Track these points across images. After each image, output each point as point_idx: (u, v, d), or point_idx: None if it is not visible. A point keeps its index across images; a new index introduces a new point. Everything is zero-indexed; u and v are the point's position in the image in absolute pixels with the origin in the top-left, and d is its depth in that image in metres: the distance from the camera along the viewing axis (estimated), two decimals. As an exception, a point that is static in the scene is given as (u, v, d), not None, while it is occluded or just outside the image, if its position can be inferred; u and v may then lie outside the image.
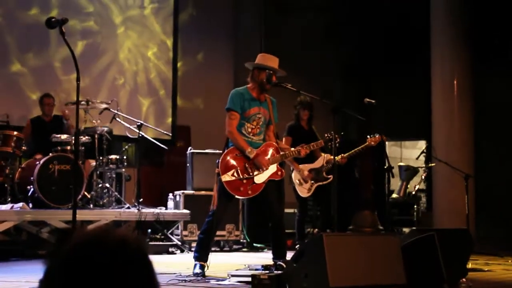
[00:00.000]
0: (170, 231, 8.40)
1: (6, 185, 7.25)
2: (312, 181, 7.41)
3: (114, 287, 1.35)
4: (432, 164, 9.70)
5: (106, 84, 9.80)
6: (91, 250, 1.36)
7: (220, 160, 5.58)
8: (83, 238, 1.39)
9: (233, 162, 5.55)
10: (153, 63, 10.46)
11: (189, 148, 9.05)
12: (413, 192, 10.87)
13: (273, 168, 5.65)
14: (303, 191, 7.42)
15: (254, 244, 8.79)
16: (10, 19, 8.74)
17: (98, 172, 8.06)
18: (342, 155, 7.13)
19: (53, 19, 4.67)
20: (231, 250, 8.55)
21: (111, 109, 8.21)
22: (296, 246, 7.35)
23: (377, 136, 7.20)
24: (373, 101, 7.06)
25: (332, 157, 7.31)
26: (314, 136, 7.27)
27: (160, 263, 6.58)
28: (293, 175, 7.45)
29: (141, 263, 1.41)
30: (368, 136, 7.25)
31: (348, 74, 12.12)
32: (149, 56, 10.41)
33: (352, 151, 7.36)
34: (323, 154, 7.37)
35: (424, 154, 9.89)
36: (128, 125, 8.43)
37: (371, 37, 12.14)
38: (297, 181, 7.43)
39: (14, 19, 8.78)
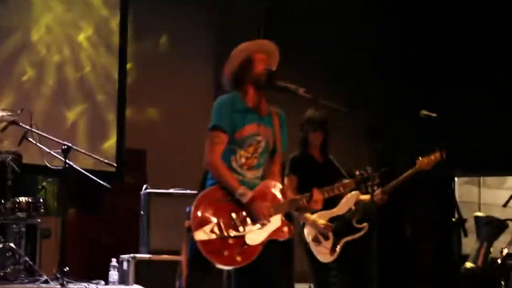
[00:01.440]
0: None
1: None
2: (336, 236, 7.31)
3: None
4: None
5: (12, 84, 9.84)
6: None
7: (192, 208, 5.42)
8: None
9: (213, 210, 5.43)
10: (87, 51, 10.51)
11: (144, 186, 9.07)
12: (499, 260, 10.85)
13: (276, 221, 5.56)
14: (324, 254, 7.29)
15: None
16: None
17: (-1, 226, 8.03)
18: (381, 188, 7.08)
19: None
20: None
21: (20, 124, 8.22)
22: None
23: (431, 156, 7.23)
24: (434, 114, 7.12)
25: (363, 196, 7.37)
26: (335, 171, 7.23)
27: None
28: (305, 231, 7.38)
29: None
30: (420, 157, 7.26)
31: (397, 71, 12.19)
32: (80, 41, 10.47)
33: (395, 180, 7.36)
34: (348, 193, 7.30)
35: (516, 198, 9.89)
36: (47, 149, 8.43)
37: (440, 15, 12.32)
38: (313, 240, 7.33)
39: None
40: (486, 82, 11.69)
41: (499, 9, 11.68)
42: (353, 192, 7.25)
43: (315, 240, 7.31)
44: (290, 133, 5.99)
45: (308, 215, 7.24)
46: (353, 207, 7.30)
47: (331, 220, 7.33)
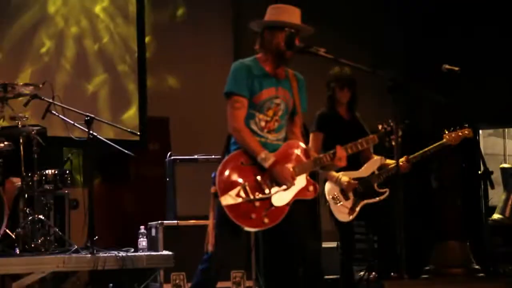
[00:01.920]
0: (144, 285, 8.46)
1: None
2: (356, 197, 7.32)
3: None
4: None
5: (31, 57, 9.78)
6: None
7: (217, 173, 5.50)
8: None
9: (238, 174, 5.49)
10: (105, 22, 10.48)
11: (169, 153, 9.09)
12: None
13: (301, 181, 5.60)
14: (343, 213, 7.30)
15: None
16: None
17: (26, 197, 8.06)
18: (406, 157, 7.10)
19: None
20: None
21: (43, 97, 8.21)
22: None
23: (459, 132, 7.22)
24: (457, 68, 7.10)
25: (387, 160, 7.37)
26: (360, 129, 7.21)
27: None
28: (326, 188, 7.39)
29: None
30: (446, 131, 7.26)
31: (417, 27, 12.15)
32: (97, 13, 10.43)
33: (421, 151, 7.37)
34: (374, 156, 7.34)
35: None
36: (71, 121, 8.45)
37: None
38: (333, 198, 7.34)
39: None
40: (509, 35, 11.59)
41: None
42: (377, 156, 7.28)
43: (335, 198, 7.31)
44: (314, 94, 6.01)
45: (332, 172, 7.21)
46: (376, 171, 7.29)
47: (354, 180, 7.30)
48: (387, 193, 7.19)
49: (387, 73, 5.50)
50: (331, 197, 7.32)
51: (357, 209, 7.26)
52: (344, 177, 7.24)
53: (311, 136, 7.18)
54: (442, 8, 12.16)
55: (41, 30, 9.91)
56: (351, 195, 7.28)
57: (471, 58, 10.64)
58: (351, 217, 7.27)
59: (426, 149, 7.34)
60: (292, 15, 5.69)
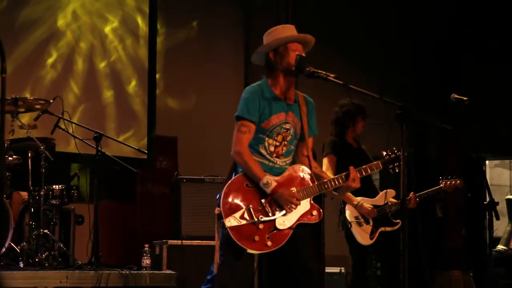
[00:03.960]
0: (145, 304, 8.44)
1: None
2: (375, 223, 7.36)
3: None
4: None
5: (40, 73, 9.79)
6: None
7: (222, 195, 5.48)
8: None
9: (242, 197, 5.48)
10: (115, 41, 10.52)
11: (176, 173, 9.10)
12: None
13: (305, 205, 5.60)
14: (364, 236, 7.35)
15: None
16: None
17: (32, 211, 8.05)
18: (413, 194, 7.15)
19: None
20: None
21: (53, 113, 8.26)
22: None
23: (452, 182, 7.39)
24: (465, 98, 7.12)
25: (395, 197, 7.41)
26: (367, 157, 7.26)
27: None
28: (347, 212, 7.40)
29: None
30: (441, 178, 7.38)
31: (429, 56, 12.18)
32: (106, 33, 10.46)
33: (425, 192, 7.50)
34: (388, 190, 7.38)
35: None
36: (78, 137, 8.48)
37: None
38: (354, 222, 7.36)
39: None
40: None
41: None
42: (388, 190, 7.32)
43: (359, 221, 7.34)
44: (320, 117, 6.01)
45: (352, 197, 7.28)
46: (390, 201, 7.33)
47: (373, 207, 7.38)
48: (399, 224, 7.20)
49: (396, 101, 5.50)
50: (354, 219, 7.35)
51: (376, 234, 7.33)
52: (366, 203, 7.29)
53: (325, 159, 7.25)
54: (455, 36, 12.23)
55: (50, 47, 9.90)
56: (371, 220, 7.31)
57: (481, 87, 10.68)
58: (371, 242, 7.32)
59: (429, 190, 7.52)
60: (290, 30, 5.74)
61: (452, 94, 7.07)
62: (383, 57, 11.52)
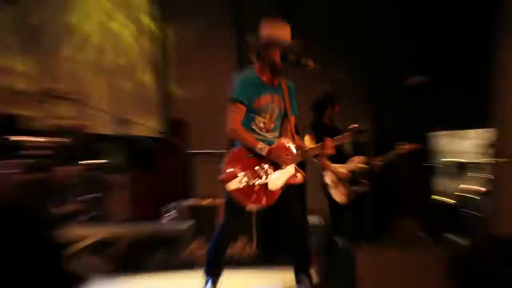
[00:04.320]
0: (171, 248, 8.50)
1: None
2: (347, 185, 7.41)
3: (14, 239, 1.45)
4: (495, 160, 9.77)
5: (66, 66, 9.55)
6: None
7: (224, 164, 5.53)
8: None
9: (241, 165, 5.52)
10: (130, 37, 10.34)
11: (188, 147, 9.14)
12: (466, 193, 10.90)
13: (290, 170, 5.66)
14: (340, 196, 7.43)
15: (269, 258, 8.86)
16: None
17: (77, 182, 8.14)
18: (375, 159, 7.22)
19: None
20: (244, 265, 8.56)
21: (83, 102, 8.27)
22: (320, 260, 7.34)
23: (408, 145, 7.46)
24: (422, 79, 7.14)
25: (363, 160, 7.46)
26: (338, 132, 7.29)
27: (165, 284, 6.82)
28: (325, 177, 7.47)
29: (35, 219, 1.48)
30: (398, 143, 7.47)
31: (389, 45, 12.20)
32: (118, 32, 10.24)
33: (385, 156, 7.52)
34: (356, 157, 7.45)
35: (485, 146, 9.94)
36: (107, 121, 8.55)
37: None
38: (332, 183, 7.43)
39: None
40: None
41: None
42: (355, 157, 7.36)
43: (333, 183, 7.37)
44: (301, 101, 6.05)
45: (329, 163, 7.31)
46: (357, 168, 7.40)
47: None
48: (367, 183, 7.25)
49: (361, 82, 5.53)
50: (331, 183, 7.37)
51: (351, 195, 7.36)
52: (341, 168, 7.33)
53: (307, 137, 7.19)
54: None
55: (72, 43, 9.50)
56: (345, 182, 7.35)
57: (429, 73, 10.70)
58: (345, 200, 7.38)
59: (389, 154, 7.53)
60: (285, 31, 5.58)
61: (412, 77, 7.11)
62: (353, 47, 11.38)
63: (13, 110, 8.07)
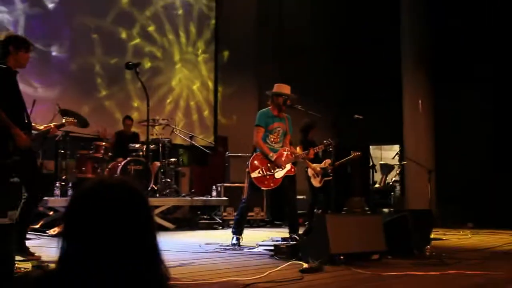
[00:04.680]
0: (214, 213, 8.41)
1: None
2: (321, 176, 7.25)
3: (115, 217, 1.27)
4: (404, 162, 9.70)
5: (167, 106, 9.69)
6: (97, 187, 1.31)
7: (249, 162, 5.50)
8: (92, 180, 1.35)
9: (259, 163, 5.46)
10: (198, 92, 10.32)
11: (227, 152, 9.10)
12: (391, 183, 10.84)
13: (288, 166, 5.56)
14: (316, 182, 7.23)
15: (274, 222, 8.80)
16: (100, 64, 8.75)
17: (162, 171, 8.03)
18: (336, 162, 7.07)
19: (130, 63, 4.72)
20: (258, 226, 8.53)
21: (170, 125, 8.23)
22: (306, 224, 7.27)
23: (357, 153, 7.35)
24: (361, 116, 7.08)
25: (330, 162, 7.37)
26: (316, 145, 7.25)
27: (207, 236, 6.63)
28: (308, 171, 7.30)
29: (136, 197, 1.33)
30: (352, 151, 7.34)
31: (341, 96, 12.13)
32: (194, 89, 10.25)
33: (342, 160, 7.41)
34: (326, 160, 7.34)
35: (398, 154, 9.89)
36: (183, 137, 8.50)
37: (356, 70, 12.15)
38: (312, 175, 7.26)
39: (102, 63, 8.78)
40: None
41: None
42: (327, 160, 7.25)
43: (313, 176, 7.26)
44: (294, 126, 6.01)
45: (310, 163, 7.16)
46: (327, 165, 7.27)
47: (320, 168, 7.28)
48: (331, 176, 7.15)
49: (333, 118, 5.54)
50: (312, 175, 7.25)
51: (322, 181, 7.22)
52: (317, 167, 7.22)
53: (298, 147, 7.05)
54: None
55: (170, 95, 9.76)
56: (320, 175, 7.23)
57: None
58: (319, 185, 7.22)
59: (344, 159, 7.40)
60: (286, 89, 5.61)
61: (354, 115, 7.01)
62: (320, 95, 11.31)
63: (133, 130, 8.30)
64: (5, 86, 4.13)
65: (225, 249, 5.19)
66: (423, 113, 10.39)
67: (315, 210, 7.43)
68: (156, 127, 8.22)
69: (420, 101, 10.40)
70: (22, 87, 4.39)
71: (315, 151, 6.14)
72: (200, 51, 10.41)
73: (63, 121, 4.66)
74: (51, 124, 4.55)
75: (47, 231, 6.17)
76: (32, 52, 4.38)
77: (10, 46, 4.21)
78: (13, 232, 2.60)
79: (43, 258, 3.94)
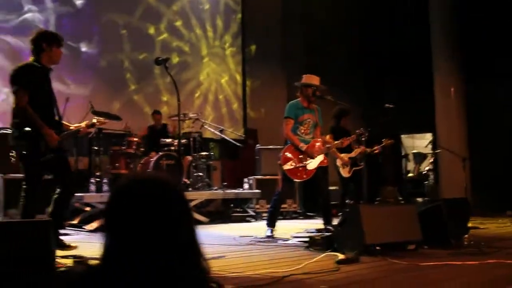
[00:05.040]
0: (246, 205, 8.42)
1: (130, 176, 7.47)
2: (350, 166, 7.16)
3: (146, 212, 1.28)
4: (438, 151, 9.55)
5: (195, 101, 9.73)
6: (130, 183, 1.33)
7: (281, 154, 5.48)
8: (126, 177, 1.36)
9: (290, 155, 5.45)
10: (227, 85, 10.33)
11: (257, 145, 9.08)
12: (424, 172, 10.67)
13: (320, 157, 5.54)
14: (345, 172, 7.12)
15: (307, 214, 8.77)
16: (129, 60, 8.84)
17: (193, 165, 8.07)
18: (367, 149, 6.99)
19: (160, 59, 4.72)
20: (291, 218, 8.51)
21: (200, 119, 8.25)
22: (339, 214, 7.22)
23: (390, 140, 7.23)
24: (392, 105, 6.98)
25: (361, 150, 7.29)
26: (349, 133, 7.17)
27: (240, 229, 6.65)
28: (337, 161, 7.20)
29: (174, 194, 1.34)
30: (383, 140, 7.22)
31: (371, 86, 11.98)
32: (222, 82, 10.26)
33: (375, 147, 7.25)
34: (357, 148, 7.25)
35: (431, 143, 9.75)
36: (213, 130, 8.51)
37: (387, 59, 11.99)
38: (340, 165, 7.18)
39: (131, 59, 8.87)
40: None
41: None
42: (356, 149, 7.18)
43: (341, 166, 7.16)
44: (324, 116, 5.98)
45: (338, 153, 7.05)
46: (358, 155, 7.20)
47: (349, 158, 7.12)
48: (362, 166, 7.06)
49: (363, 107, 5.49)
50: (339, 165, 7.15)
51: (351, 171, 7.10)
52: (345, 157, 7.14)
53: (329, 135, 7.01)
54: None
55: (199, 89, 9.81)
56: (348, 165, 7.13)
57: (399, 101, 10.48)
58: (349, 175, 7.10)
59: (376, 147, 7.23)
60: (316, 80, 5.60)
61: (386, 104, 6.92)
62: (350, 83, 11.19)
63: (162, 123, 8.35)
64: (37, 85, 4.19)
65: (260, 241, 5.20)
66: (456, 100, 10.20)
67: (347, 201, 7.37)
68: (186, 121, 8.26)
69: (452, 89, 10.20)
70: (56, 84, 4.44)
71: (348, 141, 6.09)
72: (227, 44, 10.41)
73: (94, 120, 4.69)
74: (82, 124, 4.59)
75: (84, 227, 6.28)
76: (63, 49, 4.40)
77: (42, 43, 4.24)
78: (52, 228, 2.64)
79: (83, 254, 4.00)
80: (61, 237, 4.48)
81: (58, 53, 4.30)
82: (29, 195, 4.14)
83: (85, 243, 4.73)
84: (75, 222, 6.50)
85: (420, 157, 10.74)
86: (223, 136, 8.35)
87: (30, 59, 4.29)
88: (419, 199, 9.28)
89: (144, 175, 1.38)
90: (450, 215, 4.81)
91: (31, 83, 4.13)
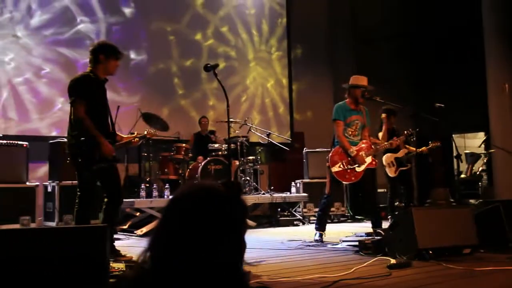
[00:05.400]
0: (294, 209, 8.39)
1: (179, 181, 7.47)
2: (397, 166, 7.03)
3: (194, 219, 1.30)
4: (492, 150, 9.23)
5: (242, 105, 9.80)
6: (193, 190, 1.36)
7: (329, 156, 5.45)
8: (189, 184, 1.39)
9: (338, 157, 5.41)
10: (273, 89, 10.35)
11: (304, 148, 9.02)
12: (477, 172, 10.35)
13: (369, 159, 5.48)
14: (391, 172, 7.02)
15: (356, 217, 8.65)
16: (177, 66, 9.01)
17: (241, 169, 8.07)
18: (415, 150, 6.85)
19: (209, 65, 4.70)
20: (339, 221, 8.44)
21: (247, 124, 8.27)
22: (388, 217, 7.08)
23: (436, 143, 7.06)
24: (442, 105, 6.79)
25: (408, 150, 7.14)
26: (397, 134, 7.02)
27: (288, 233, 6.63)
28: (383, 160, 7.09)
29: (232, 200, 1.36)
30: (430, 142, 7.06)
31: (419, 85, 11.74)
32: (268, 86, 10.28)
33: (421, 149, 7.02)
34: (405, 148, 7.10)
35: (484, 142, 9.44)
36: (259, 134, 8.51)
37: (434, 54, 11.73)
38: (386, 165, 7.07)
39: (179, 65, 9.03)
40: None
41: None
42: (403, 149, 7.04)
43: (388, 164, 7.06)
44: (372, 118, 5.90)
45: (385, 154, 7.00)
46: (405, 155, 7.06)
47: (395, 158, 7.05)
48: (409, 166, 6.94)
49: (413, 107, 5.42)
50: (386, 164, 7.05)
51: (398, 171, 7.01)
52: (391, 157, 7.00)
53: (379, 134, 6.88)
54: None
55: (245, 94, 9.88)
56: (393, 164, 7.01)
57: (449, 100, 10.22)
58: (395, 175, 7.01)
59: (422, 148, 7.01)
60: (364, 80, 5.55)
61: (435, 103, 6.75)
62: (397, 83, 10.98)
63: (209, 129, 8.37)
64: (93, 96, 4.27)
65: (309, 245, 5.17)
66: (510, 96, 9.83)
67: (396, 203, 7.22)
68: (233, 126, 8.29)
69: (506, 85, 9.83)
70: (107, 92, 4.51)
71: (397, 142, 6.00)
72: (273, 48, 10.43)
73: (145, 132, 4.77)
74: (133, 136, 4.66)
75: (135, 231, 6.40)
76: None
77: (100, 55, 4.32)
78: (107, 234, 2.67)
79: (134, 258, 4.06)
80: (117, 246, 4.54)
81: (114, 65, 4.35)
82: (82, 202, 4.24)
83: (135, 248, 4.81)
84: (125, 227, 6.64)
85: (473, 157, 10.44)
86: (270, 140, 8.33)
87: (88, 69, 4.37)
88: (473, 201, 9.02)
89: (197, 185, 1.39)
90: (508, 217, 4.63)
91: (87, 94, 4.21)
